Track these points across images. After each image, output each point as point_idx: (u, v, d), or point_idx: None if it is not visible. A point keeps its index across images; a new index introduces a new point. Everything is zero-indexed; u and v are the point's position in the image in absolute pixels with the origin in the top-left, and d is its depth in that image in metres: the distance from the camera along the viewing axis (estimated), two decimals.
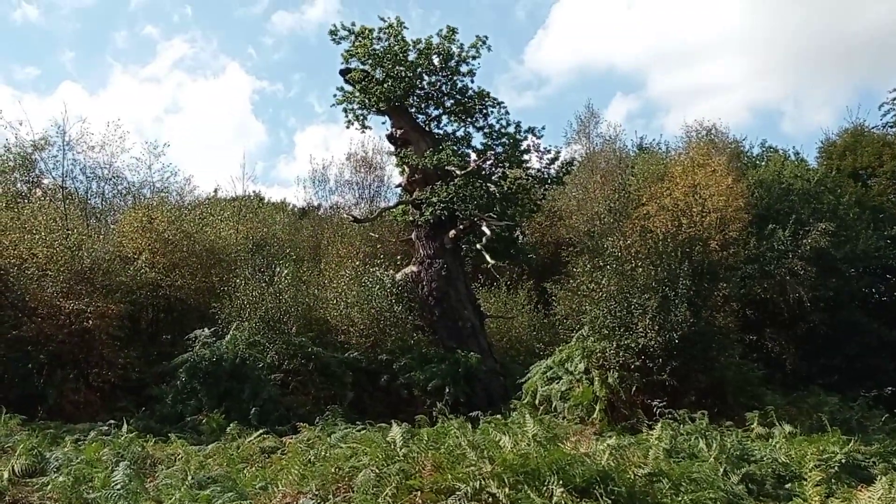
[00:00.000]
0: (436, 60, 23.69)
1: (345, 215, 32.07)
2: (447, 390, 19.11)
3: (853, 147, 31.76)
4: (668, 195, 24.35)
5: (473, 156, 24.14)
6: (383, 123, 25.05)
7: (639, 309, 15.90)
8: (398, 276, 22.86)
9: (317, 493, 8.22)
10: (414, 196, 23.40)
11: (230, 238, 25.50)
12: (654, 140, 40.53)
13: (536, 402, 17.04)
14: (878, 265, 26.43)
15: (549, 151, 24.86)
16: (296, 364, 18.67)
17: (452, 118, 24.53)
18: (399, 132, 24.14)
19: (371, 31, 23.81)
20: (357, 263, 23.32)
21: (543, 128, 24.68)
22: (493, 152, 24.03)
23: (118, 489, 8.22)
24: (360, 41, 23.75)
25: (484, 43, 23.82)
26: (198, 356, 17.54)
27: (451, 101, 24.25)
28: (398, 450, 9.40)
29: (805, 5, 74.77)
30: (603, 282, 16.79)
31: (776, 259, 23.38)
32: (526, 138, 24.21)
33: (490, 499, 7.49)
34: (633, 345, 15.62)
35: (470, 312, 22.47)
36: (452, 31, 23.67)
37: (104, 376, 17.56)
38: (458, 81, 24.09)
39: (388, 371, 19.90)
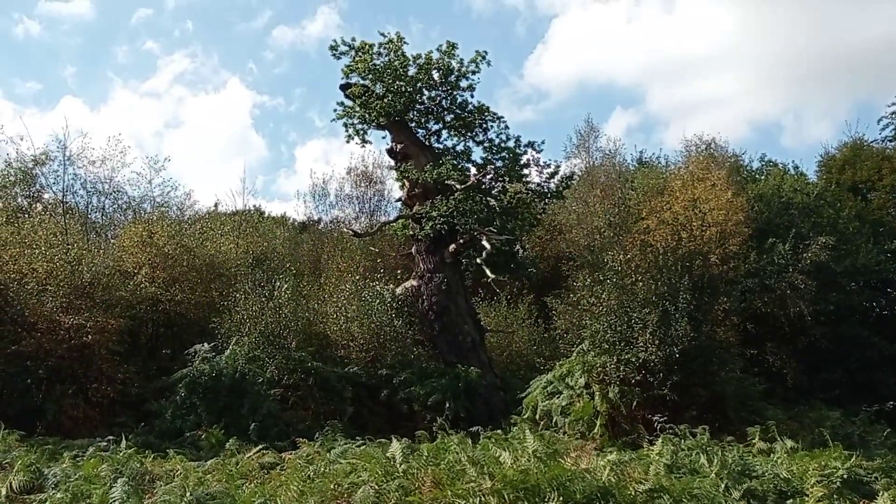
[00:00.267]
0: (436, 75, 23.79)
1: (345, 229, 32.06)
2: (447, 405, 19.03)
3: (852, 161, 31.82)
4: (667, 209, 24.37)
5: (473, 170, 24.17)
6: (383, 138, 25.16)
7: (639, 323, 15.88)
8: (398, 290, 22.83)
9: None
10: (414, 210, 23.42)
11: (230, 252, 25.49)
12: (653, 154, 40.74)
13: (537, 417, 16.98)
14: (878, 279, 26.41)
15: (548, 165, 24.89)
16: (295, 379, 18.60)
17: (452, 133, 24.59)
18: (399, 147, 24.19)
19: (371, 46, 23.92)
20: (357, 278, 23.28)
21: (543, 142, 24.69)
22: (492, 166, 24.07)
23: None
24: (360, 56, 23.85)
25: (484, 58, 23.93)
26: (197, 371, 17.51)
27: (451, 116, 24.32)
28: (398, 466, 9.37)
29: (804, 20, 75.22)
30: (603, 296, 16.77)
31: (776, 273, 23.36)
32: (526, 152, 24.26)
33: None
34: (633, 359, 15.58)
35: (470, 327, 22.43)
36: (452, 46, 23.79)
37: (103, 391, 17.50)
38: (457, 96, 24.18)
39: (388, 386, 19.84)
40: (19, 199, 28.25)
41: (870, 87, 72.99)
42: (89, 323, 17.73)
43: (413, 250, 23.77)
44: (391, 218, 28.57)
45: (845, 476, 10.44)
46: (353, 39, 24.36)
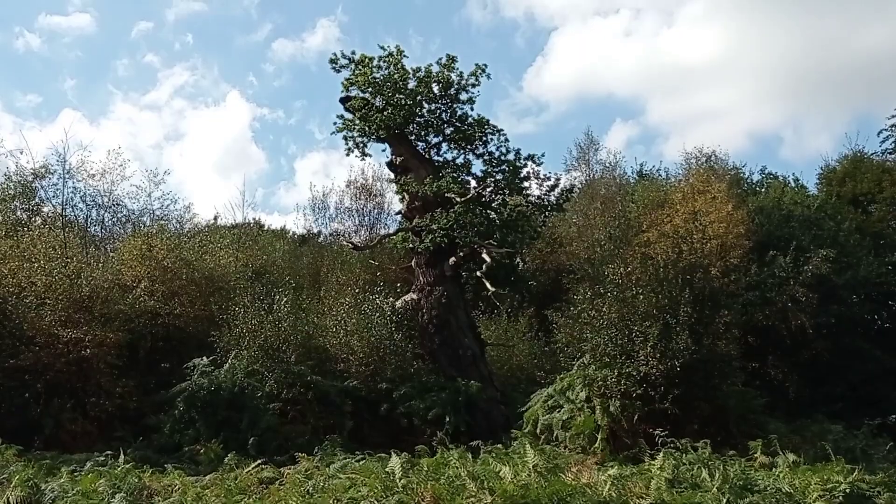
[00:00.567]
0: (435, 88, 23.83)
1: (344, 242, 32.02)
2: (447, 419, 18.93)
3: (853, 173, 31.81)
4: (668, 222, 24.36)
5: (473, 183, 24.18)
6: (383, 151, 25.18)
7: (640, 336, 15.81)
8: (398, 303, 22.76)
9: None
10: (414, 223, 23.39)
11: (229, 266, 25.44)
12: (653, 167, 40.66)
13: (537, 431, 16.89)
14: (879, 292, 26.36)
15: (548, 178, 24.93)
16: (295, 393, 18.50)
17: (452, 145, 24.61)
18: (399, 159, 24.20)
19: (371, 59, 23.96)
20: (357, 291, 23.19)
21: (543, 155, 24.68)
22: (492, 179, 24.08)
23: None
24: (360, 69, 23.89)
25: (483, 71, 23.99)
26: (196, 385, 17.44)
27: (451, 129, 24.34)
28: (397, 481, 9.30)
29: (803, 32, 75.43)
30: (604, 309, 16.70)
31: (777, 286, 23.31)
32: (526, 165, 24.27)
33: None
34: (634, 373, 15.51)
35: (470, 340, 22.35)
36: (452, 59, 23.86)
37: (102, 406, 17.44)
38: (457, 109, 24.22)
39: (388, 400, 19.73)
40: (19, 213, 28.28)
41: (869, 100, 73.14)
42: (88, 337, 17.70)
43: (413, 263, 23.73)
44: (391, 231, 28.57)
45: (848, 490, 10.37)
46: (353, 52, 24.46)
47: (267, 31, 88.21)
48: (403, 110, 23.29)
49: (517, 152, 24.26)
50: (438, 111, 24.21)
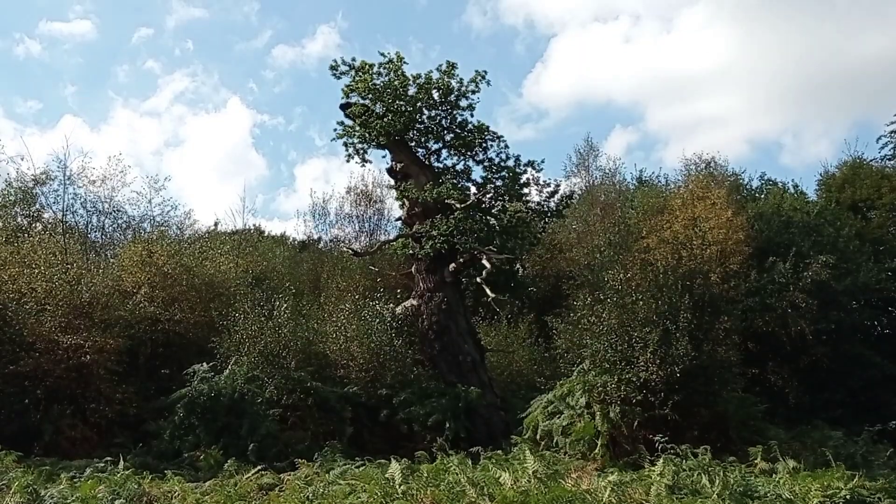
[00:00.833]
0: (436, 95, 23.88)
1: (345, 249, 32.06)
2: (447, 425, 18.94)
3: (852, 180, 31.85)
4: (668, 228, 24.40)
5: (473, 189, 24.21)
6: (383, 157, 25.20)
7: (640, 342, 15.82)
8: (398, 309, 22.78)
9: None
10: (414, 229, 23.41)
11: (230, 272, 25.46)
12: (653, 173, 40.69)
13: (537, 437, 16.88)
14: (879, 298, 26.38)
15: (548, 184, 24.97)
16: (295, 399, 18.51)
17: (452, 152, 24.64)
18: (399, 166, 24.24)
19: (371, 66, 24.02)
20: (357, 297, 23.21)
21: (543, 161, 24.69)
22: (492, 185, 24.11)
23: None
24: (360, 76, 23.95)
25: (483, 77, 24.05)
26: (196, 391, 17.43)
27: (451, 135, 24.38)
28: (397, 487, 9.30)
29: (803, 38, 75.65)
30: (604, 315, 16.71)
31: (777, 292, 23.33)
32: (525, 171, 24.31)
33: None
34: (634, 379, 15.51)
35: (470, 346, 22.35)
36: (452, 66, 23.91)
37: (101, 412, 17.44)
38: (457, 115, 24.24)
39: (388, 406, 19.73)
40: (19, 219, 28.28)
41: (869, 106, 73.19)
42: (88, 343, 17.70)
43: (413, 269, 23.75)
44: (391, 237, 28.55)
45: (848, 496, 10.35)
46: (354, 59, 24.54)
47: (267, 37, 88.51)
48: (403, 117, 23.34)
49: (517, 158, 24.34)
50: (438, 117, 24.26)
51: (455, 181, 23.84)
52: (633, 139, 78.85)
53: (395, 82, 23.69)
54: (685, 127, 76.93)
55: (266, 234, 39.48)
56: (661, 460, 12.06)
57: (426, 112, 24.07)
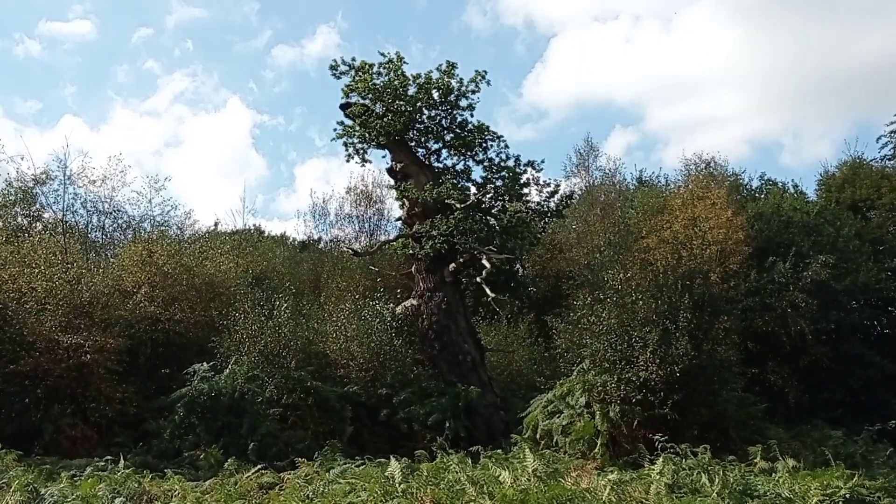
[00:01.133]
0: (435, 95, 23.89)
1: (345, 248, 32.10)
2: (447, 424, 18.95)
3: (852, 179, 31.87)
4: (667, 228, 24.42)
5: (473, 189, 24.22)
6: (383, 157, 25.20)
7: (640, 342, 15.84)
8: (398, 309, 22.80)
9: None
10: (414, 229, 23.42)
11: (230, 272, 25.46)
12: (653, 173, 40.69)
13: (537, 436, 16.90)
14: (878, 297, 26.38)
15: (548, 185, 24.97)
16: (295, 398, 18.53)
17: (452, 152, 24.65)
18: (399, 166, 24.25)
19: (371, 66, 24.03)
20: (357, 297, 23.23)
21: (543, 161, 24.69)
22: (492, 185, 24.12)
23: None
24: (360, 76, 23.97)
25: (483, 77, 24.07)
26: (196, 391, 17.44)
27: (451, 135, 24.39)
28: (397, 485, 9.30)
29: (803, 39, 75.69)
30: (603, 315, 16.72)
31: (777, 292, 23.35)
32: (525, 171, 24.32)
33: None
34: (634, 378, 15.53)
35: (470, 346, 22.36)
36: (452, 65, 23.93)
37: (101, 411, 17.45)
38: (457, 115, 24.25)
39: (388, 405, 19.74)
40: (19, 219, 28.32)
41: (869, 106, 73.27)
42: (88, 342, 17.70)
43: (413, 269, 23.76)
44: (391, 237, 28.58)
45: (848, 495, 10.36)
46: (353, 59, 24.55)
47: (267, 37, 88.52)
48: (403, 116, 23.35)
49: (517, 158, 24.35)
50: (438, 117, 24.27)
51: (455, 181, 23.86)
52: (633, 139, 78.94)
53: (395, 82, 23.70)
54: (685, 127, 77.02)
55: (266, 234, 39.53)
56: (661, 459, 12.07)
57: (426, 112, 24.08)
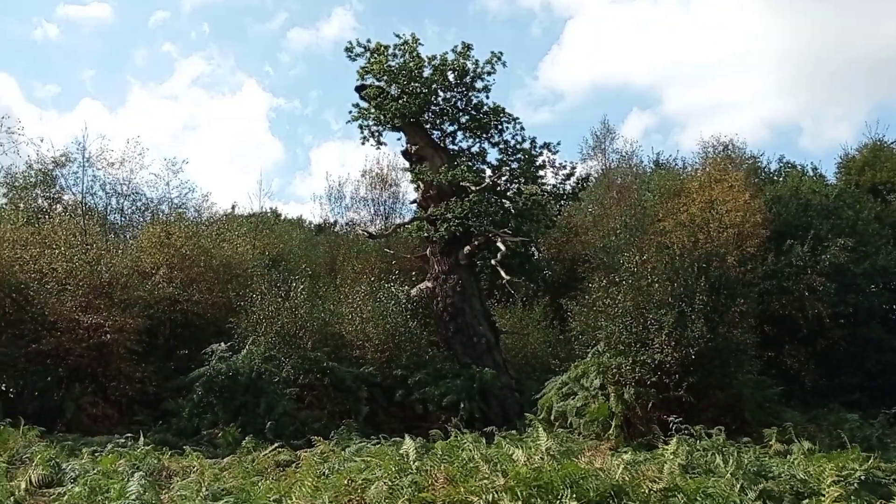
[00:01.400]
0: (451, 76, 23.82)
1: (360, 231, 32.25)
2: (462, 406, 19.08)
3: (872, 162, 31.53)
4: (684, 211, 24.28)
5: (488, 171, 24.22)
6: (398, 140, 25.23)
7: (655, 325, 15.84)
8: (413, 291, 22.87)
9: None
10: (429, 212, 23.45)
11: (247, 254, 25.64)
12: (670, 156, 40.33)
13: (552, 417, 16.98)
14: None
15: (564, 167, 24.94)
16: (311, 379, 18.71)
17: (467, 134, 24.61)
18: (414, 148, 24.23)
19: (386, 47, 23.99)
20: (372, 279, 23.36)
21: (559, 143, 24.68)
22: (508, 168, 24.10)
23: (133, 499, 8.26)
24: (375, 58, 23.93)
25: (499, 59, 23.98)
26: (214, 370, 17.65)
27: (467, 117, 24.35)
28: (411, 463, 9.39)
29: (823, 21, 74.46)
30: (619, 297, 16.73)
31: (794, 275, 23.20)
32: (541, 154, 24.29)
33: None
34: (649, 360, 15.55)
35: (485, 328, 22.42)
36: (467, 47, 23.82)
37: (122, 390, 17.73)
38: (473, 97, 24.21)
39: (403, 386, 19.89)
40: (40, 201, 28.65)
41: (890, 89, 71.99)
42: (108, 322, 17.94)
43: (428, 252, 23.80)
44: (406, 220, 28.65)
45: (863, 477, 10.33)
46: (369, 41, 24.53)
47: (282, 20, 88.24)
48: (419, 99, 23.31)
49: (533, 141, 24.31)
50: (454, 99, 24.22)
51: (470, 163, 23.84)
52: (650, 122, 78.09)
53: (411, 64, 23.65)
54: (703, 110, 76.04)
55: (283, 217, 39.68)
56: (675, 440, 12.11)
57: (441, 94, 24.04)
